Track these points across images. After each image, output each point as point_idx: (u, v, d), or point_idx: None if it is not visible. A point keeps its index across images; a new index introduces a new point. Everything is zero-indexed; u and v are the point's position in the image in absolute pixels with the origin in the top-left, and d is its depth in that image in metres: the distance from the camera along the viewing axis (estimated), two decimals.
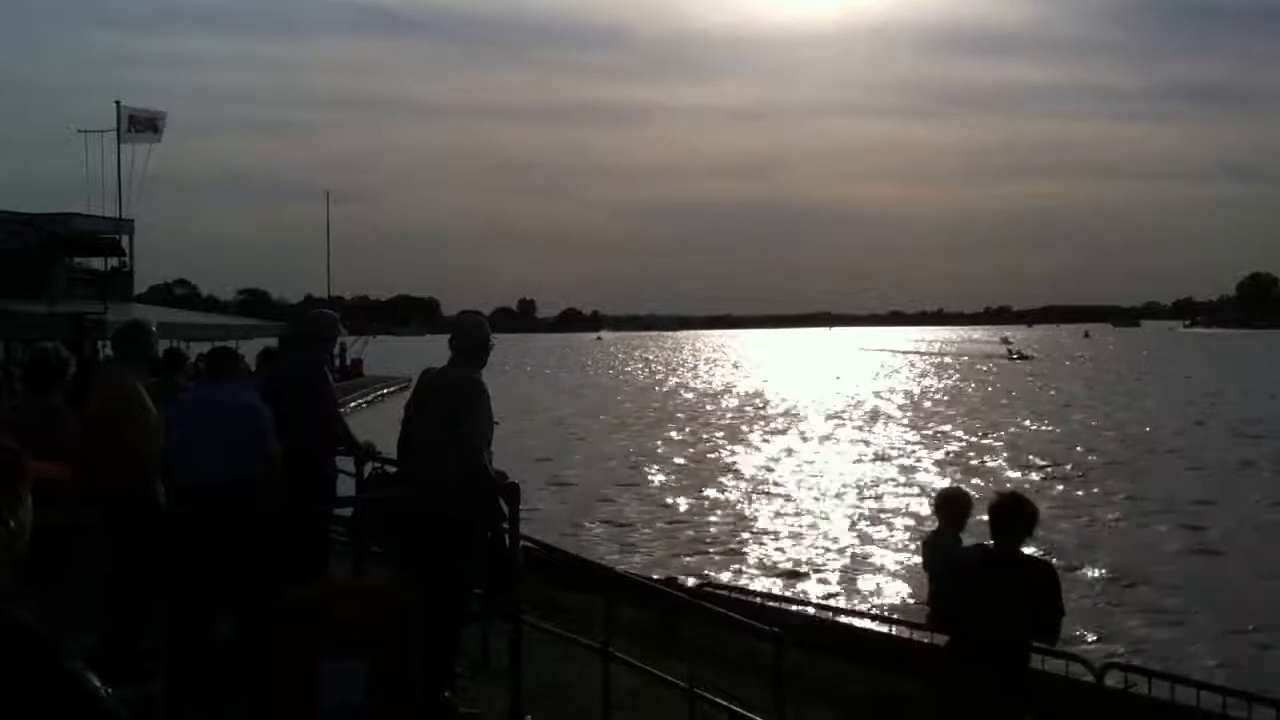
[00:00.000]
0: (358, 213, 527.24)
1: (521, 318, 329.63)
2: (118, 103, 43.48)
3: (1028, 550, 5.60)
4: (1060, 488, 27.91)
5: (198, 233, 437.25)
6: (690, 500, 26.95)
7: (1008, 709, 5.25)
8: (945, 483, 27.67)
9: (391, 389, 55.59)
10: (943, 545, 7.76)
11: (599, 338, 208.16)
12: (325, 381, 8.31)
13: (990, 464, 32.52)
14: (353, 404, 45.64)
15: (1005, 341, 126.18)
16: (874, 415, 50.02)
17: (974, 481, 26.37)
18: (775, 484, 29.33)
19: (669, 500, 27.06)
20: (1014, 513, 5.37)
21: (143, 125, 43.44)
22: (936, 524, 8.12)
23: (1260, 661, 13.59)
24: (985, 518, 5.65)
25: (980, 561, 5.83)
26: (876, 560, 19.86)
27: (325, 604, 5.86)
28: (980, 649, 5.24)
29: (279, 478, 7.27)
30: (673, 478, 30.94)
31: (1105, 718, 7.66)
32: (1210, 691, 7.94)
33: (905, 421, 46.65)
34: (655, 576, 12.46)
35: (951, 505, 7.97)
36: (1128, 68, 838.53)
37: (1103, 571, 18.84)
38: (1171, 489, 27.28)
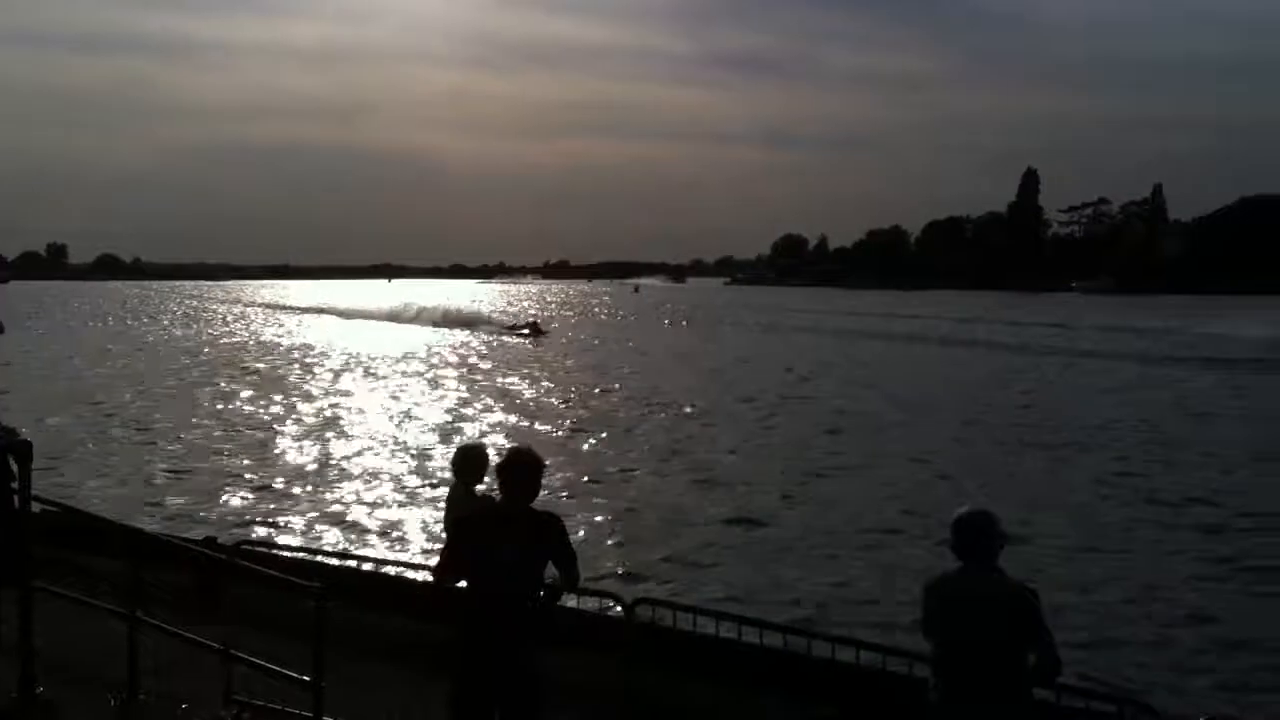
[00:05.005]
0: None
1: (51, 263, 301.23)
2: None
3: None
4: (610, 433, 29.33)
5: None
6: (236, 455, 25.90)
7: (521, 650, 5.41)
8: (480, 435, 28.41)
9: None
10: (456, 498, 8.00)
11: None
12: None
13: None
14: None
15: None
16: (419, 370, 50.23)
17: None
18: (322, 435, 28.77)
19: (214, 455, 25.85)
20: (519, 466, 5.50)
21: None
22: (455, 479, 8.27)
23: (778, 591, 15.03)
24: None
25: (485, 513, 6.02)
26: (422, 511, 19.98)
27: None
28: (490, 597, 5.37)
29: None
30: (219, 432, 29.59)
31: (634, 648, 8.14)
32: (728, 620, 8.65)
33: (454, 377, 47.19)
34: (193, 536, 11.87)
35: (467, 460, 8.16)
36: (683, 33, 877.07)
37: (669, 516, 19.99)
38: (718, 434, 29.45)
